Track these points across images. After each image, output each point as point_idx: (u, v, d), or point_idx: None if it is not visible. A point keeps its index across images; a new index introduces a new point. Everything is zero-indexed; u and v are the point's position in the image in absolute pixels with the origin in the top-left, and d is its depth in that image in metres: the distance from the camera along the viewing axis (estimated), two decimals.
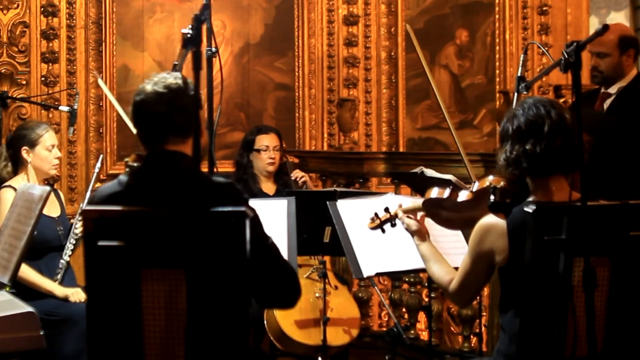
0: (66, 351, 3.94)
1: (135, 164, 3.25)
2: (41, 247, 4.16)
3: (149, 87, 2.57)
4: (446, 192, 3.02)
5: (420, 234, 3.13)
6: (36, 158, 4.25)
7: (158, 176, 2.54)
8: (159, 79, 2.59)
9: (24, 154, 4.24)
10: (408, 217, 3.16)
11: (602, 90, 4.05)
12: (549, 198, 2.69)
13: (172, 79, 2.59)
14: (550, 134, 2.66)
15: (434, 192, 3.05)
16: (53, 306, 4.06)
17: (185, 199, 2.27)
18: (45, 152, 4.26)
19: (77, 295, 4.13)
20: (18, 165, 4.28)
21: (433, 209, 3.09)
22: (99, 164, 4.64)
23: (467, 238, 3.57)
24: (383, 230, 3.30)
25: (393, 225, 3.27)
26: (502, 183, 2.80)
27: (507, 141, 2.73)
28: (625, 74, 4.04)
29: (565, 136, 2.64)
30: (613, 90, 4.02)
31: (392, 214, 3.26)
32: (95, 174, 4.55)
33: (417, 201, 3.24)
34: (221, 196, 2.45)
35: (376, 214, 3.30)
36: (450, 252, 3.29)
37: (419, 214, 3.17)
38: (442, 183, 3.39)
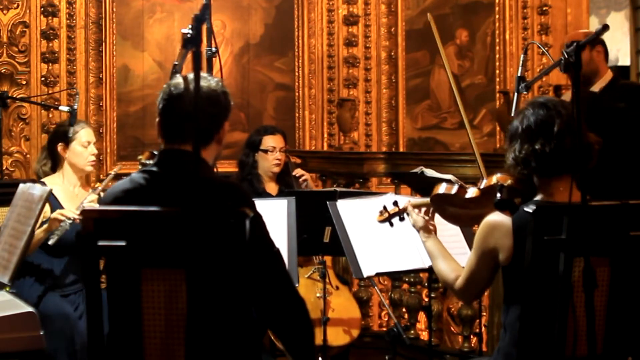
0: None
1: (149, 162, 3.24)
2: (58, 246, 4.11)
3: (186, 85, 2.52)
4: (454, 189, 3.02)
5: (427, 230, 3.11)
6: (71, 154, 4.28)
7: (173, 176, 2.52)
8: (202, 78, 2.51)
9: (59, 149, 4.28)
10: (416, 212, 3.14)
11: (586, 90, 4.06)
12: (555, 198, 2.68)
13: (214, 84, 2.56)
14: (559, 134, 2.64)
15: (442, 188, 3.05)
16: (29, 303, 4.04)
17: (195, 200, 2.26)
18: (81, 147, 4.29)
19: (65, 213, 4.05)
20: (57, 162, 4.32)
21: (441, 204, 3.08)
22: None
23: (467, 237, 3.58)
24: (391, 224, 3.29)
25: (402, 219, 3.26)
26: (509, 181, 2.79)
27: (516, 140, 2.71)
28: (600, 71, 4.06)
29: (575, 137, 2.61)
30: (595, 89, 4.04)
31: (400, 208, 3.25)
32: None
33: (426, 198, 3.23)
34: (229, 198, 2.44)
35: (385, 208, 3.29)
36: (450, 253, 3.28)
37: (425, 210, 3.15)
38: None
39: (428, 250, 3.10)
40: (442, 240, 3.13)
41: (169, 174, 2.53)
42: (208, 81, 2.55)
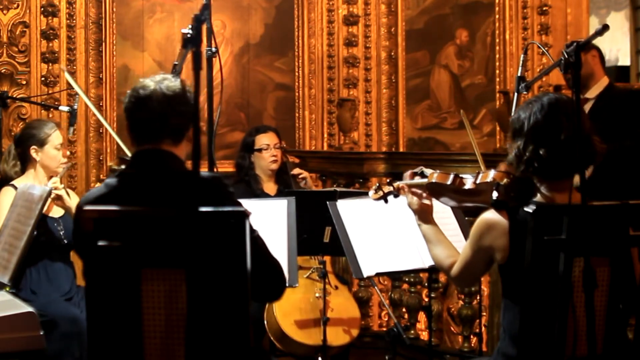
0: (48, 352, 3.92)
1: (120, 167, 3.25)
2: (36, 246, 4.11)
3: (154, 86, 2.56)
4: (449, 179, 3.01)
5: (422, 214, 3.07)
6: (45, 157, 4.27)
7: (146, 174, 2.55)
8: (162, 79, 2.59)
9: (32, 152, 4.27)
10: (412, 193, 3.13)
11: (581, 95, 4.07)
12: (555, 199, 2.67)
13: (177, 82, 2.59)
14: (567, 141, 2.59)
15: (436, 177, 3.04)
16: (36, 308, 4.04)
17: (173, 195, 2.27)
18: (54, 151, 4.29)
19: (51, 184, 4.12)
20: (26, 163, 4.30)
21: (436, 189, 3.08)
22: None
23: (465, 235, 3.57)
24: (386, 201, 3.27)
25: (396, 196, 3.24)
26: (505, 180, 2.76)
27: (521, 137, 2.66)
28: (596, 75, 4.07)
29: (581, 143, 2.55)
30: (591, 95, 4.05)
31: (395, 186, 3.23)
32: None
33: (421, 180, 3.21)
34: (208, 191, 2.45)
35: (379, 186, 3.28)
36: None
37: (420, 191, 3.14)
38: None
39: (423, 234, 3.07)
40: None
41: (145, 174, 2.55)
42: (173, 81, 2.59)
